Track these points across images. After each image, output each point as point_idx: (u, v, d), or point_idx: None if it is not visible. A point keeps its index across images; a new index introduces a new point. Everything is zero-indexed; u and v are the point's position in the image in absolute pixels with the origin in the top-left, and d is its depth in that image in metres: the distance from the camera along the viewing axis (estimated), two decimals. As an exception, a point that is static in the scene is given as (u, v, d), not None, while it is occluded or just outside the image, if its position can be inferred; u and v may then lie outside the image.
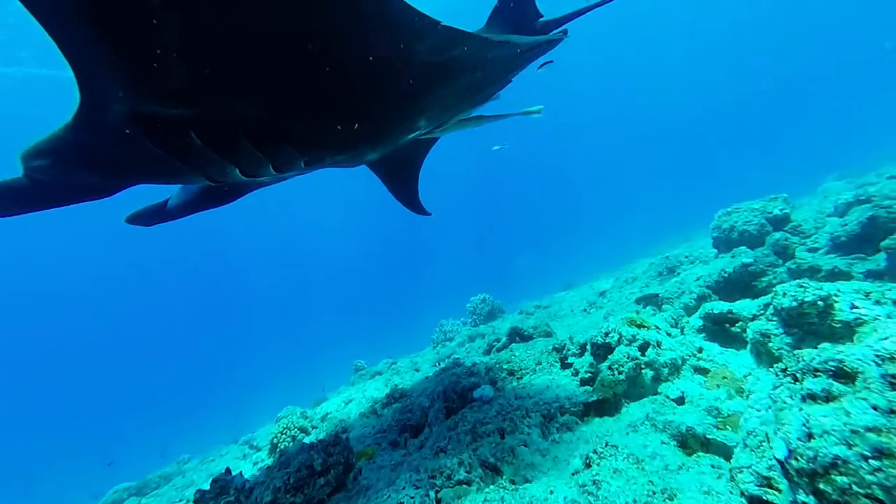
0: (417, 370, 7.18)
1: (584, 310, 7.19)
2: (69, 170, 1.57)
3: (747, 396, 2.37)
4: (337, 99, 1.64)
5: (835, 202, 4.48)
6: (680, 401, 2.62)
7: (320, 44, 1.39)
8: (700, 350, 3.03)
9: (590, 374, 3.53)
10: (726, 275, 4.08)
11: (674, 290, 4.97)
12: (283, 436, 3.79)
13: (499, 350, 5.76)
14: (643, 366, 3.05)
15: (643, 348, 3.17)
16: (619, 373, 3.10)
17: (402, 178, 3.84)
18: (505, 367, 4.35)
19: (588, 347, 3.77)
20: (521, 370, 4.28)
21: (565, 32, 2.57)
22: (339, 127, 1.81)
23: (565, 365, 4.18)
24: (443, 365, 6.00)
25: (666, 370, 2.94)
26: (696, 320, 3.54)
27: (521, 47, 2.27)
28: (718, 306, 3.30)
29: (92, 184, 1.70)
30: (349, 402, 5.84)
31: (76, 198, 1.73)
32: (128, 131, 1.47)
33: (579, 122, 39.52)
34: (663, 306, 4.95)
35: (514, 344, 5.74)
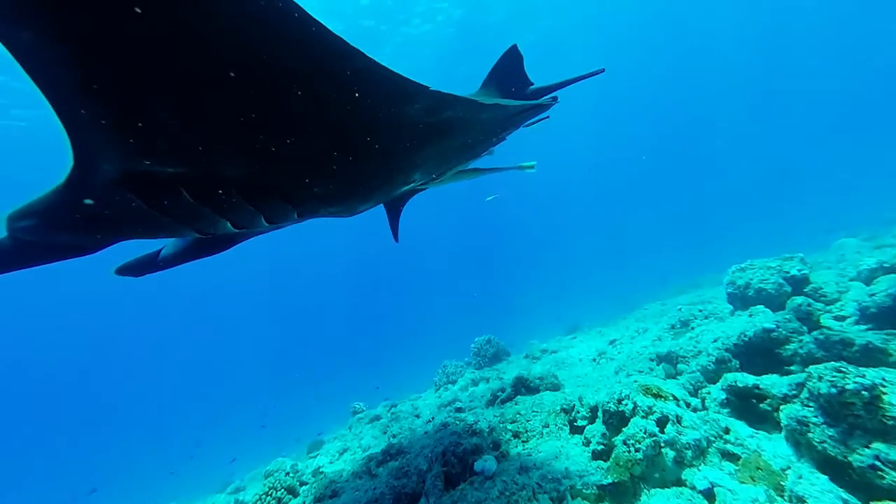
0: (418, 416, 6.72)
1: (594, 359, 6.78)
2: (56, 230, 1.53)
3: (791, 500, 2.03)
4: (329, 158, 1.62)
5: (856, 266, 4.23)
6: (710, 496, 2.27)
7: (313, 106, 1.39)
8: (727, 430, 2.70)
9: (602, 447, 3.17)
10: (746, 339, 3.77)
11: (689, 348, 4.64)
12: (269, 497, 3.42)
13: (503, 401, 5.37)
14: (663, 444, 2.71)
15: (661, 423, 2.84)
16: (636, 450, 2.75)
17: (389, 211, 3.87)
18: (510, 427, 3.99)
19: (600, 414, 3.44)
20: (526, 432, 3.91)
21: (555, 98, 2.61)
22: (332, 184, 1.78)
23: (574, 429, 3.81)
24: (444, 416, 5.59)
25: (689, 452, 2.60)
26: (718, 391, 3.22)
27: (512, 110, 2.29)
28: (743, 379, 2.99)
29: (78, 242, 1.65)
30: (344, 451, 5.42)
31: (60, 256, 1.68)
32: (118, 191, 1.43)
33: (578, 159, 40.09)
34: (678, 365, 4.60)
35: (519, 396, 5.36)
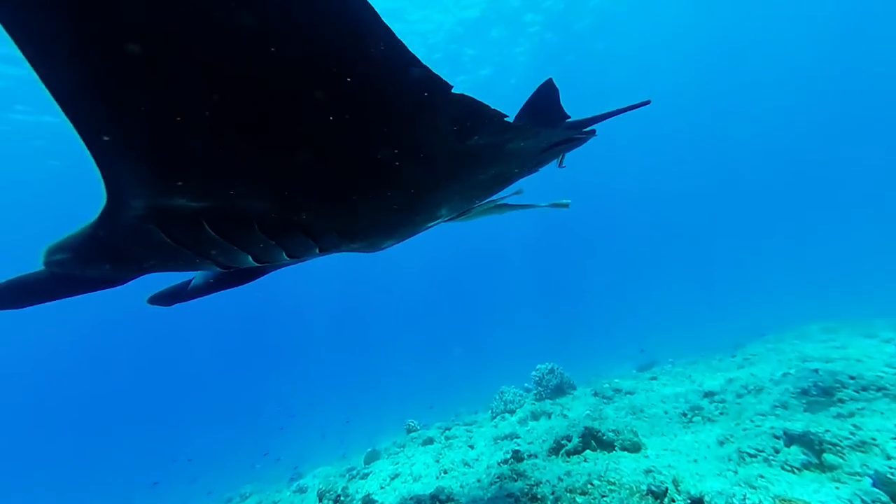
0: (472, 447, 6.17)
1: (684, 414, 5.44)
2: (88, 264, 1.56)
3: None
4: (351, 189, 1.48)
5: None
6: None
7: (340, 136, 1.21)
8: None
9: (718, 572, 2.26)
10: (962, 445, 2.43)
11: (844, 434, 3.30)
12: (316, 525, 3.28)
13: (569, 453, 4.52)
14: None
15: (825, 569, 1.87)
16: None
17: None
18: (580, 501, 3.21)
19: (711, 518, 2.50)
20: (602, 513, 3.09)
21: (594, 132, 2.26)
22: (354, 218, 1.65)
23: (669, 522, 2.88)
24: (499, 459, 4.94)
25: None
26: (922, 532, 2.06)
27: (544, 141, 1.95)
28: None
29: (106, 275, 1.69)
30: (395, 476, 5.14)
31: (90, 288, 1.73)
32: (145, 226, 1.42)
33: (636, 171, 34.63)
34: (825, 455, 3.28)
35: (588, 450, 4.47)
